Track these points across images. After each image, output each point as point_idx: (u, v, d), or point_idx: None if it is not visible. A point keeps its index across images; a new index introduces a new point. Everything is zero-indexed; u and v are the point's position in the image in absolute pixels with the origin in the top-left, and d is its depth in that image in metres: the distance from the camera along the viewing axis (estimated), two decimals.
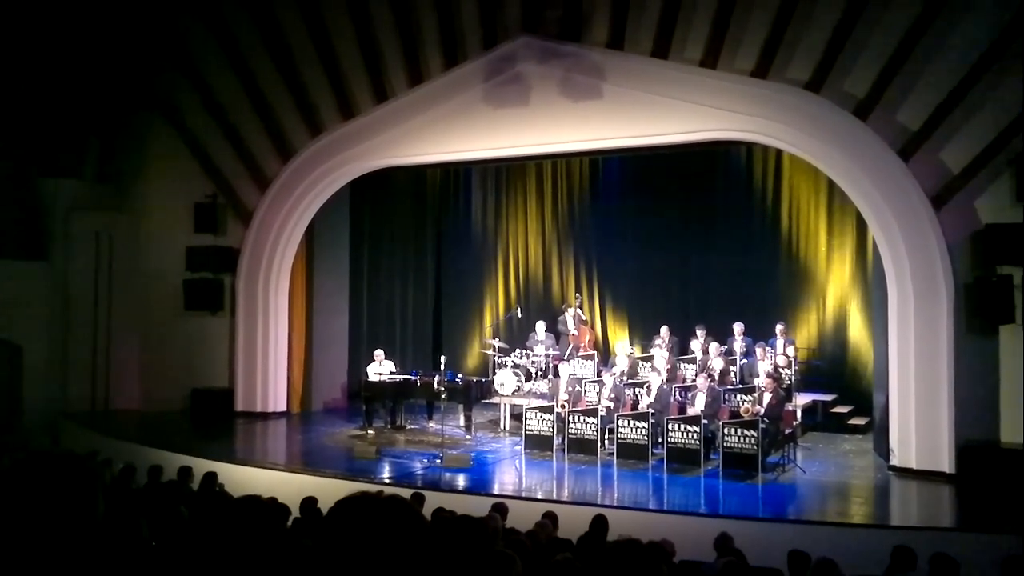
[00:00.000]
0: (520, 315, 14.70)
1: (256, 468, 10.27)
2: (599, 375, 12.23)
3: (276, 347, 13.90)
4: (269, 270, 13.87)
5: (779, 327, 12.68)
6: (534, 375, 13.20)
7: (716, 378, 11.54)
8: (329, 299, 14.84)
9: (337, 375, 14.99)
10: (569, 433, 10.66)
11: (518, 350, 13.36)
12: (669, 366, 12.15)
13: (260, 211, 13.82)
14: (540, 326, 13.86)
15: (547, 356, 13.38)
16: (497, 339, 13.71)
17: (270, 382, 13.85)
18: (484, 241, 16.21)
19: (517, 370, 12.91)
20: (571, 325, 13.93)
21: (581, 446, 10.60)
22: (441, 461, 10.20)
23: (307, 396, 14.37)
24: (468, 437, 11.84)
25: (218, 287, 14.09)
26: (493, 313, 15.99)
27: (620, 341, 14.49)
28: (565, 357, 13.30)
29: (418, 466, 10.22)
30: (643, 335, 14.44)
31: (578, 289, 15.13)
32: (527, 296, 15.82)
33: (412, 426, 12.79)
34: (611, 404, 11.03)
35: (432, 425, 12.45)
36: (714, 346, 12.38)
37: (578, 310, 14.12)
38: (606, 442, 10.74)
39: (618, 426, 10.44)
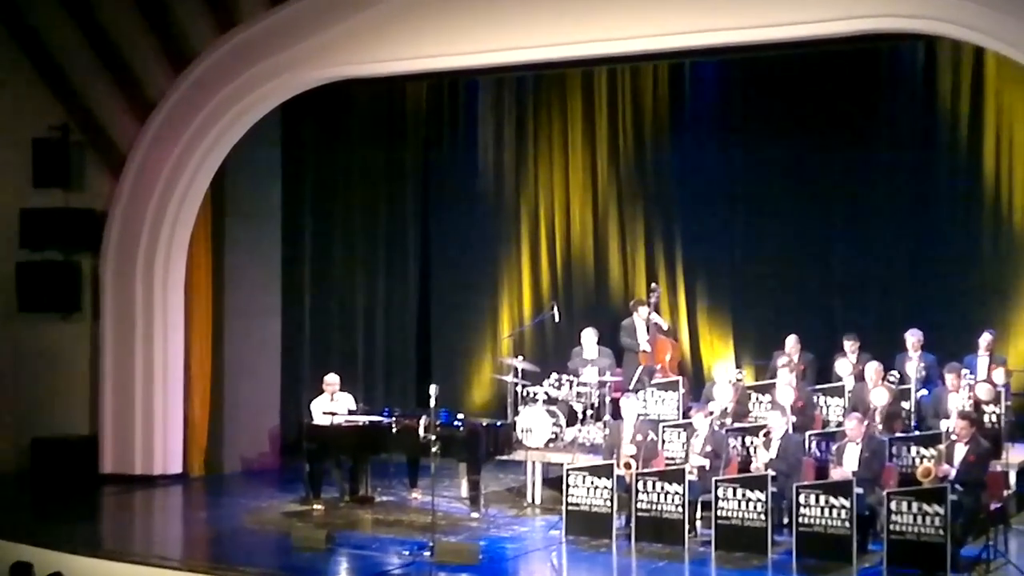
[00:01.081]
0: (558, 319, 14.71)
1: (134, 565, 10.32)
2: (687, 415, 12.24)
3: (166, 372, 14.00)
4: (154, 248, 13.96)
5: (984, 338, 12.60)
6: (580, 416, 13.22)
7: (878, 420, 11.51)
8: (251, 295, 14.94)
9: (264, 416, 15.09)
10: (639, 509, 10.71)
11: (554, 375, 13.37)
12: (801, 401, 12.14)
13: (138, 153, 13.91)
14: (590, 337, 13.87)
15: (602, 385, 13.39)
16: (521, 358, 13.73)
17: (156, 428, 13.95)
18: (499, 200, 16.24)
19: (553, 408, 12.93)
20: (641, 335, 13.93)
21: (658, 530, 10.65)
22: (432, 554, 10.24)
23: (215, 450, 14.49)
24: (475, 515, 11.93)
25: (72, 275, 14.22)
26: (513, 316, 16.05)
27: (721, 361, 14.49)
28: (632, 387, 13.31)
29: (395, 561, 10.28)
30: (757, 350, 14.46)
31: (653, 278, 15.12)
32: (568, 288, 15.85)
33: (385, 497, 12.86)
34: (706, 462, 11.05)
35: (416, 496, 12.54)
36: (873, 368, 12.31)
37: (654, 311, 14.10)
38: (698, 524, 10.78)
39: (718, 498, 10.46)
